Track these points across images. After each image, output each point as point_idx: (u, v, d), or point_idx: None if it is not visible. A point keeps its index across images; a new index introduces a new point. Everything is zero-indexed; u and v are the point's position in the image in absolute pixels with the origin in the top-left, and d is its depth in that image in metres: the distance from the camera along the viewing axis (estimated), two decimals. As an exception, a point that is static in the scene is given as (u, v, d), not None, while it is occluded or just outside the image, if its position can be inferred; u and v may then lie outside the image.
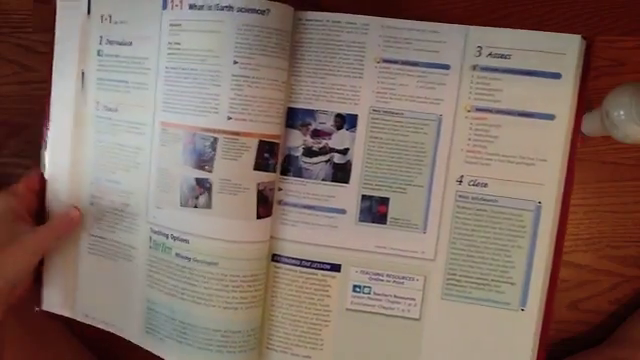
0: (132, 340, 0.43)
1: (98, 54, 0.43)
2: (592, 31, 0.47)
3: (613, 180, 0.48)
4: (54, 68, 0.44)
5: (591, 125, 0.43)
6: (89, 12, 0.43)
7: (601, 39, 0.47)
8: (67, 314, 0.45)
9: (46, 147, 0.44)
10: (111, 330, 0.44)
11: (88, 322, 0.45)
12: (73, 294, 0.45)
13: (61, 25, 0.44)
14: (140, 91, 0.41)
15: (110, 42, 0.43)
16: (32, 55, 0.51)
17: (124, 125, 0.42)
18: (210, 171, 0.38)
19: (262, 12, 0.38)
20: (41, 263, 0.45)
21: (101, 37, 0.43)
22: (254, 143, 0.38)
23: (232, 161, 0.38)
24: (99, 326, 0.44)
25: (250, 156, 0.38)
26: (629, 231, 0.48)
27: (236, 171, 0.38)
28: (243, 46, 0.38)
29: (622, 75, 0.47)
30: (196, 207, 0.39)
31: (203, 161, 0.39)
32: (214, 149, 0.38)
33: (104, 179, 0.43)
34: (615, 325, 0.48)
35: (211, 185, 0.39)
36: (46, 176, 0.44)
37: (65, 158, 0.44)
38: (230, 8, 0.37)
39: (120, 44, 0.42)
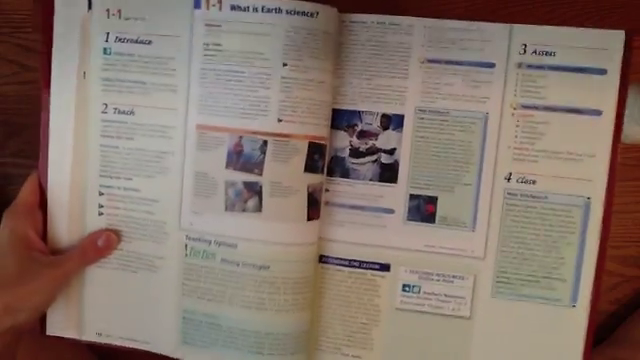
0: (164, 353, 0.42)
1: (104, 52, 0.41)
2: None
3: None
4: (53, 70, 0.42)
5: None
6: (90, 7, 0.41)
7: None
8: (74, 335, 0.43)
9: (46, 156, 0.42)
10: (133, 345, 0.42)
11: (102, 340, 0.43)
12: (79, 313, 0.43)
13: (59, 21, 0.41)
14: (165, 93, 0.40)
15: (121, 40, 0.41)
16: (32, 55, 0.51)
17: (144, 129, 0.41)
18: (260, 174, 0.38)
19: (311, 15, 0.38)
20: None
21: (108, 34, 0.41)
22: (304, 145, 0.39)
23: (283, 164, 0.38)
24: (116, 343, 0.43)
25: (300, 158, 0.39)
26: (629, 231, 0.48)
27: (287, 174, 0.39)
28: (292, 48, 0.38)
29: None
30: (244, 211, 0.39)
31: (252, 164, 0.39)
32: (263, 152, 0.38)
33: (117, 187, 0.42)
34: (615, 325, 0.48)
35: (261, 188, 0.39)
36: (47, 186, 0.42)
37: (66, 166, 0.42)
38: (279, 10, 0.38)
39: (135, 42, 0.41)
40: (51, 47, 0.42)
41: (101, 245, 0.41)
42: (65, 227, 0.42)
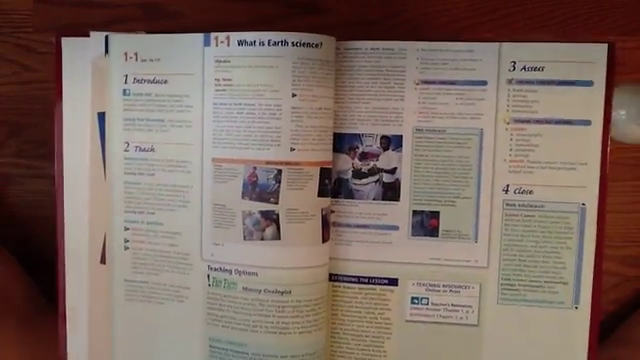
0: None
1: (124, 93, 0.43)
2: (592, 31, 0.49)
3: (613, 180, 0.48)
4: (64, 112, 0.43)
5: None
6: (107, 51, 0.43)
7: (601, 39, 0.48)
8: None
9: (61, 193, 0.44)
10: None
11: None
12: (110, 346, 0.44)
13: (69, 65, 0.43)
14: (182, 129, 0.42)
15: (139, 81, 0.43)
16: (32, 55, 0.51)
17: (164, 165, 0.43)
18: (276, 202, 0.40)
19: (315, 45, 0.39)
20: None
21: (126, 76, 0.43)
22: (316, 171, 0.40)
23: (298, 191, 0.40)
24: None
25: (314, 184, 0.40)
26: (629, 231, 0.49)
27: (302, 200, 0.40)
28: (300, 79, 0.39)
29: (622, 75, 0.48)
30: (262, 239, 0.40)
31: (267, 194, 0.40)
32: (278, 181, 0.40)
33: (140, 222, 0.43)
34: (615, 325, 0.49)
35: (278, 216, 0.40)
36: (65, 224, 0.44)
37: (82, 203, 0.43)
38: (285, 43, 0.39)
39: (152, 82, 0.42)
40: (61, 92, 0.43)
41: None
42: (85, 265, 0.44)
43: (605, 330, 0.49)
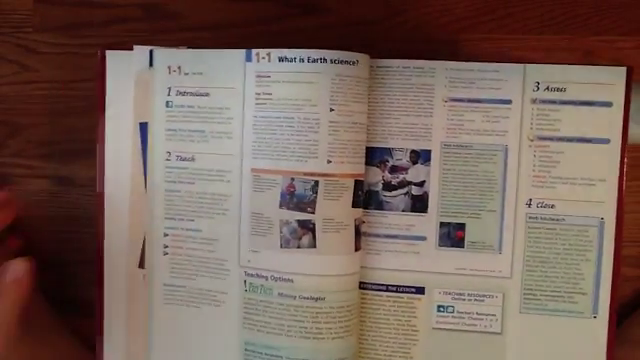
0: None
1: (167, 105, 0.45)
2: (592, 31, 0.50)
3: None
4: (107, 122, 0.45)
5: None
6: (151, 64, 0.45)
7: (601, 39, 0.50)
8: None
9: (102, 201, 0.45)
10: None
11: None
12: (146, 349, 0.46)
13: (112, 78, 0.45)
14: (222, 140, 0.44)
15: (181, 93, 0.45)
16: (32, 55, 0.51)
17: (204, 174, 0.44)
18: (312, 212, 0.42)
19: (352, 63, 0.42)
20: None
21: (169, 88, 0.45)
22: (351, 183, 0.42)
23: (334, 201, 0.42)
24: None
25: (349, 195, 0.42)
26: (629, 231, 0.50)
27: (338, 210, 0.42)
28: (338, 94, 0.41)
29: None
30: (299, 247, 0.42)
31: (305, 204, 0.42)
32: (315, 192, 0.42)
33: (180, 228, 0.45)
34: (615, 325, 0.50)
35: (314, 225, 0.42)
36: (105, 237, 0.45)
37: (123, 211, 0.45)
38: (324, 60, 0.41)
39: (194, 95, 0.44)
40: (104, 101, 0.45)
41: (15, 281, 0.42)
42: (123, 269, 0.45)
43: None
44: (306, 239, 0.42)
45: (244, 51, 0.43)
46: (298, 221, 0.42)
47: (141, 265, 0.46)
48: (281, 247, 0.42)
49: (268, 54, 0.42)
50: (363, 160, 0.43)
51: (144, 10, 0.51)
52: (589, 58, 0.50)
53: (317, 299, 0.42)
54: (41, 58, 0.51)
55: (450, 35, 0.50)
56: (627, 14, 0.50)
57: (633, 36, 0.50)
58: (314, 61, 0.41)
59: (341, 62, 0.41)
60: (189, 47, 0.45)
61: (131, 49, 0.45)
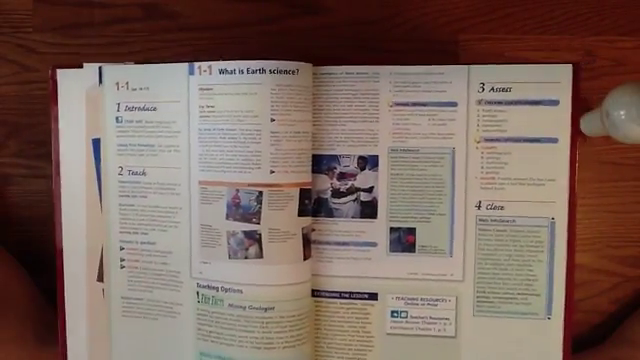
0: None
1: (117, 120, 0.45)
2: (592, 31, 0.49)
3: (613, 180, 0.50)
4: (61, 138, 0.46)
5: (591, 125, 0.45)
6: (101, 81, 0.45)
7: (601, 39, 0.49)
8: None
9: (59, 214, 0.46)
10: None
11: None
12: None
13: (65, 96, 0.46)
14: (170, 154, 0.44)
15: (130, 109, 0.45)
16: (32, 55, 0.52)
17: (155, 187, 0.45)
18: (258, 223, 0.42)
19: (292, 72, 0.42)
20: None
21: (119, 104, 0.45)
22: (296, 192, 0.42)
23: (279, 211, 0.42)
24: None
25: (294, 204, 0.42)
26: (629, 231, 0.49)
27: (283, 220, 0.42)
28: (278, 104, 0.41)
29: (622, 75, 0.49)
30: (246, 258, 0.42)
31: (250, 214, 0.42)
32: (260, 202, 0.42)
33: (135, 242, 0.46)
34: (615, 325, 0.50)
35: (260, 236, 0.42)
36: (62, 248, 0.46)
37: (80, 226, 0.46)
38: (263, 71, 0.41)
39: (142, 110, 0.45)
40: (57, 120, 0.46)
41: None
42: (83, 283, 0.46)
43: (605, 330, 0.50)
44: (253, 249, 0.42)
45: (187, 64, 0.43)
46: (244, 232, 0.42)
47: (99, 279, 0.47)
48: (229, 258, 0.43)
49: (209, 67, 0.43)
50: (309, 168, 0.43)
51: (144, 10, 0.52)
52: (589, 58, 0.50)
53: (266, 309, 0.42)
54: (41, 58, 0.52)
55: (449, 35, 0.50)
56: (627, 14, 0.49)
57: (633, 36, 0.49)
58: (253, 72, 0.42)
59: (280, 72, 0.41)
60: (135, 62, 0.46)
61: (81, 67, 0.46)
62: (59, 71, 0.46)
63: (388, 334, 0.44)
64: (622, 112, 0.39)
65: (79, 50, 0.52)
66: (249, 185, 0.42)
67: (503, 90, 0.43)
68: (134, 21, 0.52)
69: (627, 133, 0.40)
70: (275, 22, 0.51)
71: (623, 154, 0.49)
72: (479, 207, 0.43)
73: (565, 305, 0.43)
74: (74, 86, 0.46)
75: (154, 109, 0.45)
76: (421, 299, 0.44)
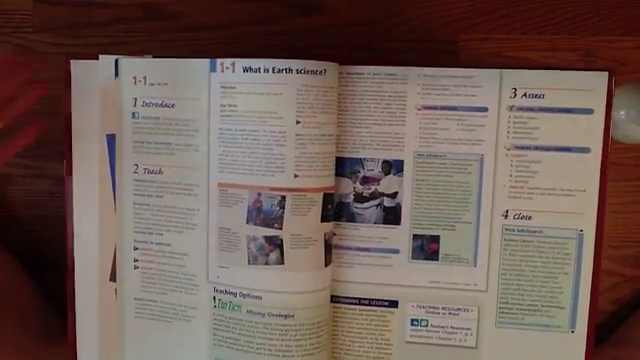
0: None
1: (133, 116, 0.44)
2: (592, 31, 0.49)
3: (613, 180, 0.49)
4: (73, 133, 0.44)
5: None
6: (117, 74, 0.44)
7: (601, 39, 0.49)
8: None
9: (71, 212, 0.44)
10: None
11: None
12: None
13: (78, 87, 0.44)
14: (188, 153, 0.43)
15: (147, 104, 0.43)
16: (32, 55, 0.51)
17: (172, 187, 0.43)
18: (280, 228, 0.41)
19: (319, 72, 0.40)
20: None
21: (135, 99, 0.43)
22: (320, 197, 0.41)
23: (302, 217, 0.41)
24: None
25: (317, 210, 0.41)
26: (629, 231, 0.49)
27: (306, 225, 0.41)
28: (304, 106, 0.40)
29: (622, 75, 0.48)
30: (267, 264, 0.41)
31: (272, 219, 0.41)
32: (282, 207, 0.40)
33: (149, 242, 0.44)
34: (615, 325, 0.50)
35: (282, 242, 0.41)
36: (74, 251, 0.44)
37: (93, 223, 0.44)
38: (289, 70, 0.40)
39: (160, 106, 0.43)
40: (70, 114, 0.44)
41: None
42: (94, 282, 0.45)
43: (605, 330, 0.50)
44: (274, 255, 0.41)
45: (208, 61, 0.42)
46: (265, 237, 0.41)
47: (112, 278, 0.45)
48: (249, 263, 0.42)
49: (232, 64, 0.41)
50: (333, 172, 0.42)
51: (144, 10, 0.51)
52: (589, 58, 0.50)
53: (286, 316, 0.41)
54: (41, 58, 0.51)
55: (450, 35, 0.49)
56: (627, 14, 0.49)
57: (633, 36, 0.49)
58: (279, 71, 0.40)
59: (307, 72, 0.40)
60: (154, 56, 0.44)
61: (97, 58, 0.44)
62: (73, 62, 0.44)
63: (407, 342, 0.44)
64: (622, 112, 0.39)
65: (79, 50, 0.52)
66: (272, 189, 0.41)
67: (536, 96, 0.41)
68: (134, 21, 0.51)
69: (627, 133, 0.40)
70: (275, 22, 0.51)
71: (623, 154, 0.49)
72: (506, 216, 0.42)
73: (588, 319, 0.42)
74: (88, 79, 0.44)
75: (172, 106, 0.43)
76: (442, 308, 0.43)
